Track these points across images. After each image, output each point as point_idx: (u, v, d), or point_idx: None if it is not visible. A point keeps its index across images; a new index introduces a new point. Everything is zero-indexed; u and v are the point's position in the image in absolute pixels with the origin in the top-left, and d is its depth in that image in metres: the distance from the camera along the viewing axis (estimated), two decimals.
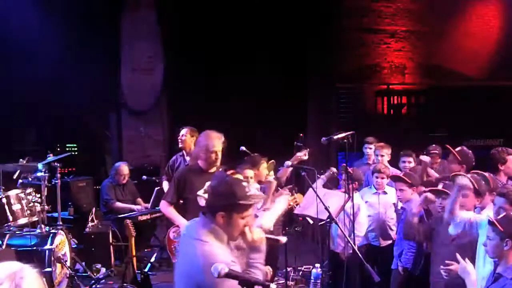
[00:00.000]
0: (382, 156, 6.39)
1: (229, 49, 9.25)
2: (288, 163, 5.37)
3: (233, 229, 2.70)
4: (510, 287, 3.30)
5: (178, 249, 2.88)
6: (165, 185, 6.79)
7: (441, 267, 4.14)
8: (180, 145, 6.75)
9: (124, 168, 7.66)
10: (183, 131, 6.72)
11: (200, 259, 2.58)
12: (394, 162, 6.77)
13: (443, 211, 4.52)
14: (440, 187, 4.97)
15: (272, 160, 6.34)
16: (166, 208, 4.95)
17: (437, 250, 4.43)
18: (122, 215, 6.98)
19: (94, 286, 6.25)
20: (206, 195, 3.64)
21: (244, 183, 2.82)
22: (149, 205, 7.49)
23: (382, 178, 5.79)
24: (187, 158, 6.64)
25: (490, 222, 3.45)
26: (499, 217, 3.50)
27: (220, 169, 4.86)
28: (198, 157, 4.96)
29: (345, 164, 5.27)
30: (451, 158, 5.58)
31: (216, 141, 4.81)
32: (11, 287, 1.80)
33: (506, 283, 3.33)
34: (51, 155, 6.62)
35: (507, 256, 3.39)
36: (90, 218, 7.18)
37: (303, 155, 5.69)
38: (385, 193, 5.83)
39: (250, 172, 5.37)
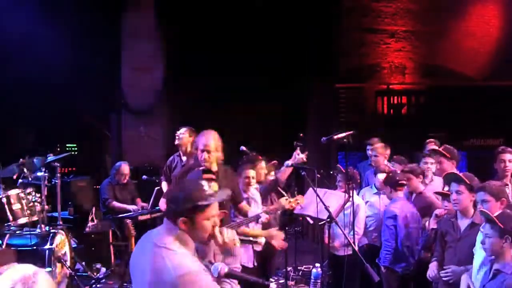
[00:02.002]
0: (376, 156, 6.37)
1: (229, 49, 9.25)
2: (288, 163, 5.38)
3: (200, 232, 2.56)
4: (510, 281, 3.31)
5: (136, 252, 2.67)
6: (164, 185, 6.79)
7: (441, 272, 4.18)
8: (176, 142, 6.72)
9: (125, 168, 7.67)
10: (182, 130, 6.72)
11: (171, 271, 2.41)
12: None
13: (449, 213, 4.55)
14: (445, 189, 4.98)
15: (275, 161, 6.35)
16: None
17: (446, 251, 4.46)
18: (122, 215, 6.98)
19: (94, 286, 6.25)
20: None
21: (203, 183, 2.65)
22: (146, 205, 7.50)
23: None
24: (184, 158, 6.63)
25: (489, 220, 3.45)
26: (496, 214, 3.51)
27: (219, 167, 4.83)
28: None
29: (339, 165, 5.28)
30: (439, 158, 5.58)
31: (204, 139, 4.71)
32: None
33: (506, 278, 3.34)
34: (51, 155, 6.62)
35: (505, 253, 3.40)
36: (90, 218, 7.19)
37: (304, 157, 5.67)
38: (386, 193, 5.83)
39: (252, 172, 5.39)
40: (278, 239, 5.13)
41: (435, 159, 5.63)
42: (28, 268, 1.90)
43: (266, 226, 5.42)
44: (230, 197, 4.53)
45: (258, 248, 3.05)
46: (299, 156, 5.46)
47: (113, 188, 7.55)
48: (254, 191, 5.44)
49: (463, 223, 4.28)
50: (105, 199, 7.48)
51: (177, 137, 6.72)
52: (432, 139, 6.68)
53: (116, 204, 7.44)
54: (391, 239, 5.18)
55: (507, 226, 3.38)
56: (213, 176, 4.20)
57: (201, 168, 4.56)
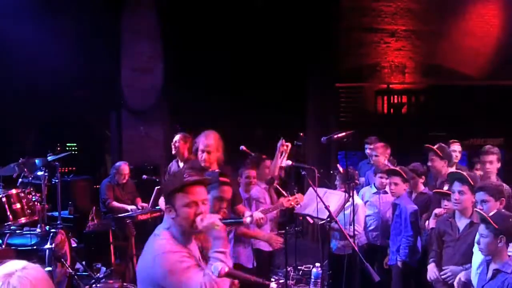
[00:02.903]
0: (376, 156, 6.36)
1: (229, 49, 9.25)
2: (289, 162, 5.38)
3: (182, 220, 2.58)
4: (511, 280, 3.31)
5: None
6: None
7: (441, 274, 4.19)
8: (173, 152, 6.69)
9: (125, 167, 7.65)
10: (176, 137, 6.64)
11: (152, 253, 2.55)
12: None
13: (448, 212, 4.56)
14: (445, 188, 4.98)
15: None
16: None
17: (444, 250, 4.47)
18: (122, 215, 6.98)
19: (94, 285, 6.25)
20: None
21: (183, 173, 2.74)
22: (146, 205, 7.50)
23: (386, 178, 5.81)
24: (181, 164, 6.63)
25: (483, 220, 3.46)
26: (490, 214, 3.51)
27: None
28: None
29: (339, 165, 5.29)
30: (432, 156, 5.61)
31: (205, 139, 4.71)
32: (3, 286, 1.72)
33: (507, 278, 3.34)
34: (51, 154, 6.62)
35: (501, 252, 3.41)
36: (90, 217, 7.19)
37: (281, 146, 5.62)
38: (385, 192, 5.83)
39: (252, 172, 5.41)
40: (277, 243, 5.14)
41: (429, 157, 5.65)
42: (15, 264, 1.78)
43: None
44: (230, 198, 4.53)
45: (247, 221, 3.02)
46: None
47: (113, 188, 7.54)
48: (257, 191, 5.44)
49: (462, 223, 4.29)
50: (104, 199, 7.47)
51: (173, 146, 6.68)
52: (455, 140, 6.65)
53: (115, 204, 7.43)
54: (414, 234, 5.16)
55: (502, 225, 3.38)
56: (228, 180, 4.16)
57: (216, 170, 4.51)
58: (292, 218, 7.57)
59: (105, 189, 7.50)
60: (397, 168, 5.49)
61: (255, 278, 2.55)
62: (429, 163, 5.63)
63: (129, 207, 7.38)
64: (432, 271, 4.43)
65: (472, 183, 4.21)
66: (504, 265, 3.39)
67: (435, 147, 5.72)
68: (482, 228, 3.46)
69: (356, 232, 5.38)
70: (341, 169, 6.17)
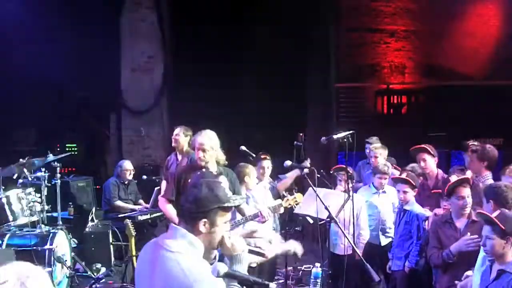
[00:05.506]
0: (376, 157, 6.35)
1: (229, 49, 9.25)
2: (288, 163, 5.37)
3: (216, 235, 2.49)
4: None
5: (142, 259, 2.59)
6: (163, 185, 6.79)
7: (457, 283, 4.17)
8: (173, 144, 6.71)
9: (128, 164, 7.79)
10: (177, 130, 6.66)
11: (187, 276, 2.34)
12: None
13: (447, 212, 4.55)
14: None
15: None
16: (165, 205, 4.94)
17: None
18: (122, 215, 7.00)
19: (94, 285, 6.25)
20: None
21: (222, 184, 2.59)
22: (147, 205, 7.52)
23: (385, 178, 5.80)
24: (179, 157, 6.63)
25: (489, 221, 3.44)
26: (494, 215, 3.49)
27: (220, 168, 4.85)
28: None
29: (344, 165, 5.28)
30: (423, 156, 5.57)
31: (200, 138, 4.74)
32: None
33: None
34: (51, 155, 6.62)
35: (506, 253, 3.39)
36: (90, 218, 7.19)
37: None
38: (384, 192, 5.84)
39: (267, 163, 5.93)
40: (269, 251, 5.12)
41: (419, 157, 5.62)
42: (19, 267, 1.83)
43: None
44: None
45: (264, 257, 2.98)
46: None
47: (118, 187, 7.61)
48: (256, 192, 5.44)
49: (461, 222, 4.29)
50: (110, 198, 7.53)
51: (173, 139, 6.68)
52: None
53: (121, 203, 7.50)
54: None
55: (508, 226, 3.36)
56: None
57: (210, 170, 4.60)
58: (292, 219, 7.56)
59: (110, 188, 7.59)
60: (405, 177, 5.42)
61: (255, 278, 2.55)
62: (422, 164, 5.54)
63: (136, 207, 7.44)
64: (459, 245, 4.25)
65: (471, 184, 4.24)
66: (509, 266, 3.37)
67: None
68: (487, 230, 3.43)
69: (361, 237, 5.42)
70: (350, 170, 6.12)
